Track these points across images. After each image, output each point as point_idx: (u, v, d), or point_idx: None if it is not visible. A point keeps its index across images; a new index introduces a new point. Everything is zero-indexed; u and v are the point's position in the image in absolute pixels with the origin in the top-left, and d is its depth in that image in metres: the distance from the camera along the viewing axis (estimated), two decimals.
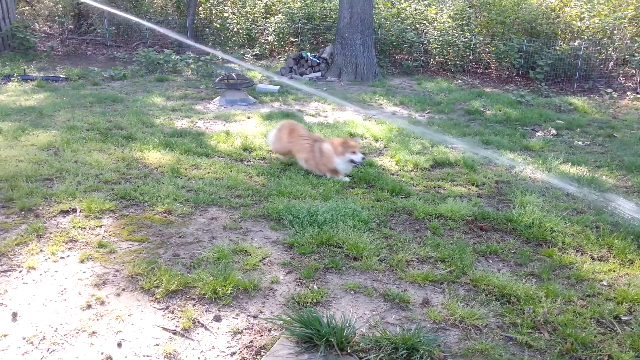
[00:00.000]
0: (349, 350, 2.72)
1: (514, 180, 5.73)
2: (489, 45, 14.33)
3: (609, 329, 3.09)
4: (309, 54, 13.08)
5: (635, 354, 2.85)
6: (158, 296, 3.22)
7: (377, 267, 3.70)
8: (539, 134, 8.02)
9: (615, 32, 12.91)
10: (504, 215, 4.65)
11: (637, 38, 13.03)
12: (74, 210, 4.39)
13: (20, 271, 3.46)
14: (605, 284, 3.60)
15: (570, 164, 6.27)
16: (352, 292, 3.40)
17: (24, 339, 2.80)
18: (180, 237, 4.04)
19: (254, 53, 15.27)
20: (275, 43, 16.03)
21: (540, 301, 3.31)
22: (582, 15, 13.40)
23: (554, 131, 8.09)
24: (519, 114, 9.12)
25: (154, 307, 3.13)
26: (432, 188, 5.43)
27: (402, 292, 3.40)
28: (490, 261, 3.91)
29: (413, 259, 3.86)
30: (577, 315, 3.19)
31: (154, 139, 6.50)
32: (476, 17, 15.11)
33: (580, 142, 7.54)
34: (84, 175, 5.17)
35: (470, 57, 14.35)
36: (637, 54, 12.34)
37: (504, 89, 12.21)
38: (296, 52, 14.15)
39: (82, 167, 5.41)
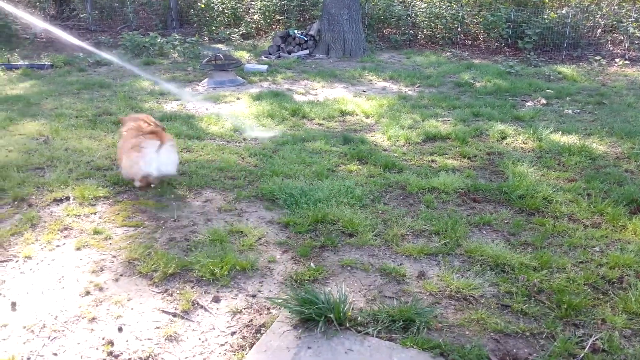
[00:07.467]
0: (347, 325, 2.76)
1: (505, 151, 5.75)
2: (477, 16, 14.21)
3: (602, 293, 3.15)
4: (296, 31, 12.92)
5: (627, 316, 2.91)
6: (156, 280, 3.24)
7: (373, 243, 3.73)
8: (529, 104, 8.03)
9: None
10: (496, 186, 4.68)
11: (624, 4, 12.99)
12: (67, 198, 4.37)
13: (17, 261, 3.46)
14: (598, 250, 3.66)
15: (560, 132, 6.30)
16: (349, 268, 3.43)
17: (25, 327, 2.82)
18: (175, 220, 4.05)
19: (241, 33, 15.04)
20: (262, 22, 15.81)
21: (534, 269, 3.36)
22: None
23: (543, 100, 8.09)
24: (509, 85, 9.11)
25: (153, 291, 3.15)
26: (425, 162, 5.44)
27: (398, 266, 3.43)
28: (484, 232, 3.95)
29: (408, 233, 3.89)
30: (571, 281, 3.25)
31: None
32: None
33: (570, 111, 7.56)
34: (76, 162, 5.14)
35: (459, 29, 14.24)
36: (624, 20, 12.31)
37: (493, 60, 12.16)
38: (283, 30, 13.98)
39: (73, 154, 5.37)
